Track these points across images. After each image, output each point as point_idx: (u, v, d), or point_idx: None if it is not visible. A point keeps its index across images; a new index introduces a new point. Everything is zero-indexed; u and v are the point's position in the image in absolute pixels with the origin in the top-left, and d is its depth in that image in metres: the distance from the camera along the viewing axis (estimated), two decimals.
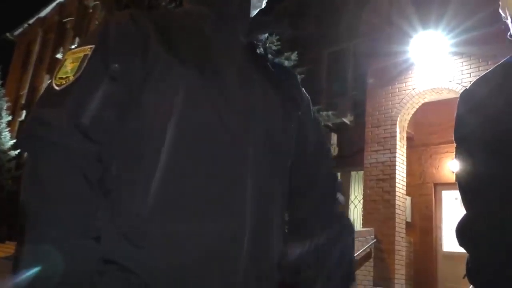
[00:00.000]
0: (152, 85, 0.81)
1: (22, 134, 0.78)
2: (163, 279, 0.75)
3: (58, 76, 0.80)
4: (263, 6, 1.00)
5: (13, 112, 18.09)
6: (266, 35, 1.00)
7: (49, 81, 0.83)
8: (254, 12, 0.98)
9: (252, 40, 0.96)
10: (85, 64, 0.79)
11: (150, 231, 0.75)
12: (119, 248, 0.75)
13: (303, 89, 1.07)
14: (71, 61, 0.82)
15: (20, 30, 20.82)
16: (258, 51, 0.98)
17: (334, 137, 8.55)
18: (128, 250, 0.75)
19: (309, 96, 1.08)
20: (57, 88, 0.79)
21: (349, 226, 1.02)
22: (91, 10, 15.99)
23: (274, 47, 6.70)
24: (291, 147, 0.97)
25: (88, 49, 0.81)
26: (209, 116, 0.82)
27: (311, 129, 1.05)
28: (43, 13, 19.40)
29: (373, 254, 7.05)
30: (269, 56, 1.02)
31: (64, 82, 0.79)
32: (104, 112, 0.78)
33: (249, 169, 0.83)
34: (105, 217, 0.76)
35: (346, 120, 8.61)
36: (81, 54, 0.81)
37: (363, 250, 6.86)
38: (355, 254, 6.71)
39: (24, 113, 17.34)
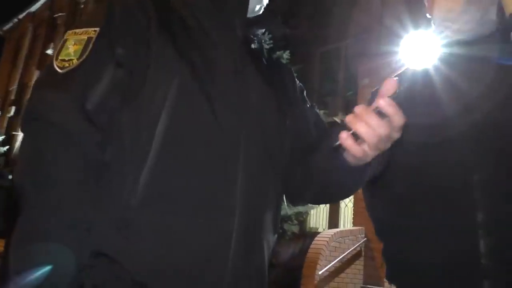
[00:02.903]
0: (148, 76, 0.79)
1: (23, 115, 0.76)
2: (151, 273, 0.74)
3: (60, 57, 0.78)
4: (266, 1, 0.99)
5: (2, 108, 17.90)
6: (263, 30, 1.00)
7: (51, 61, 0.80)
8: (257, 7, 0.97)
9: (249, 34, 0.95)
10: (89, 48, 0.77)
11: (138, 223, 0.74)
12: (109, 239, 0.74)
13: (298, 82, 1.07)
14: (73, 42, 0.79)
15: (10, 25, 20.61)
16: (254, 46, 0.97)
17: None
18: (117, 242, 0.74)
19: (303, 86, 1.07)
20: (60, 70, 0.76)
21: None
22: (82, 6, 15.86)
23: (266, 46, 6.71)
24: (285, 144, 0.96)
25: (92, 31, 0.79)
26: (202, 110, 0.81)
27: (310, 117, 1.03)
28: (33, 8, 19.20)
29: (363, 253, 7.09)
30: (265, 51, 1.02)
31: (68, 65, 0.76)
32: (108, 98, 0.76)
33: (240, 165, 0.82)
34: (95, 206, 0.74)
35: (337, 120, 8.64)
36: (85, 37, 0.79)
37: (354, 249, 6.89)
38: (345, 253, 6.76)
39: (13, 109, 17.16)
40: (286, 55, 7.31)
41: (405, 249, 1.08)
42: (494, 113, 1.01)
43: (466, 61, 1.10)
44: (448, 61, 1.13)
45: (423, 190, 1.05)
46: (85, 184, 0.73)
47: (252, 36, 0.97)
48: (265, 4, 0.99)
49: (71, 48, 0.79)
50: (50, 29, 17.41)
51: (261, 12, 0.99)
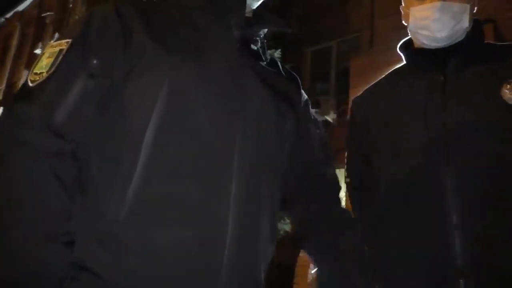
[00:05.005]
0: (136, 80, 0.77)
1: None
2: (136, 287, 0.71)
3: (34, 71, 0.77)
4: None
5: None
6: (265, 30, 0.95)
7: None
8: (254, 4, 0.92)
9: (248, 35, 0.90)
10: (59, 59, 0.76)
11: (125, 236, 0.71)
12: (92, 253, 0.71)
13: (304, 95, 1.04)
14: (47, 55, 0.78)
15: None
16: (254, 47, 0.92)
17: None
18: (101, 256, 0.70)
19: (309, 100, 1.05)
20: (30, 84, 0.75)
21: (357, 227, 1.03)
22: (71, 5, 15.71)
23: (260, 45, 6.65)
24: (283, 150, 0.93)
25: (64, 43, 0.77)
26: (195, 114, 0.77)
27: (313, 132, 1.03)
28: (21, 7, 18.98)
29: None
30: (266, 52, 0.98)
31: (38, 78, 0.75)
32: (80, 109, 0.74)
33: (234, 172, 0.78)
34: (79, 219, 0.72)
35: (329, 118, 8.64)
36: (57, 49, 0.77)
37: None
38: None
39: (1, 109, 16.98)
40: (277, 54, 7.29)
41: (385, 255, 1.12)
42: (459, 116, 1.04)
43: (425, 70, 1.15)
44: (408, 70, 1.21)
45: (401, 197, 1.09)
46: (57, 198, 0.70)
47: (251, 37, 0.92)
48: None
49: (45, 61, 0.77)
50: (38, 28, 17.22)
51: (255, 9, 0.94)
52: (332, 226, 0.98)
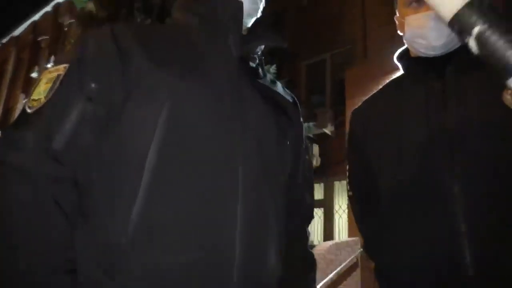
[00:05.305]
0: (136, 102, 0.75)
1: None
2: None
3: (32, 97, 0.76)
4: (259, 15, 0.94)
5: None
6: (262, 47, 0.94)
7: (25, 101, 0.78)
8: (249, 22, 0.92)
9: (245, 53, 0.89)
10: (57, 85, 0.74)
11: (130, 263, 0.68)
12: (96, 282, 0.69)
13: (301, 117, 1.03)
14: (45, 81, 0.77)
15: None
16: (252, 64, 0.92)
17: (316, 148, 8.57)
18: (106, 284, 0.68)
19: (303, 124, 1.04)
20: (29, 110, 0.74)
21: (313, 263, 1.03)
22: (66, 29, 15.83)
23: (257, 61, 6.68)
24: (286, 164, 0.92)
25: (62, 68, 0.76)
26: (196, 136, 0.76)
27: (303, 155, 1.01)
28: (16, 32, 19.12)
29: (360, 264, 7.03)
30: (264, 69, 0.97)
31: (36, 104, 0.74)
32: (79, 135, 0.72)
33: (239, 192, 0.76)
34: (82, 247, 0.70)
35: (327, 131, 8.65)
36: (55, 74, 0.76)
37: (350, 260, 6.83)
38: (343, 265, 6.71)
39: None
40: (272, 69, 7.32)
41: (393, 264, 1.10)
42: (460, 117, 1.04)
43: (422, 77, 1.15)
44: (407, 78, 1.21)
45: (406, 205, 1.07)
46: (58, 226, 0.68)
47: (249, 54, 0.91)
48: (257, 16, 0.94)
49: (42, 87, 0.76)
50: (33, 52, 17.31)
51: (259, 14, 0.94)
52: (293, 266, 0.94)
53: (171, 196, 0.72)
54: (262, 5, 0.94)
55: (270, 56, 7.46)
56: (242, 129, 0.81)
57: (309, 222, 1.06)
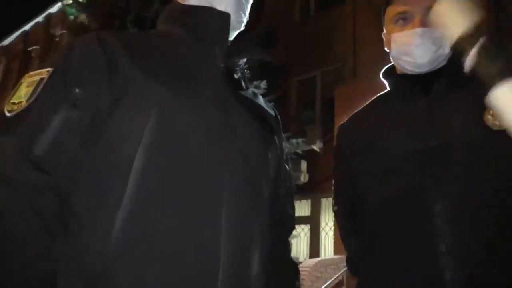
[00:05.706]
0: (122, 111, 0.73)
1: None
2: None
3: (11, 100, 0.72)
4: (242, 28, 0.95)
5: None
6: (244, 60, 0.95)
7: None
8: (232, 34, 0.93)
9: (230, 65, 0.90)
10: (40, 88, 0.71)
11: (114, 275, 0.66)
12: None
13: (282, 132, 1.03)
14: (26, 85, 0.73)
15: None
16: (236, 75, 0.92)
17: (304, 165, 8.58)
18: None
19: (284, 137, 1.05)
20: (8, 114, 0.70)
21: (297, 273, 1.04)
22: (57, 39, 15.78)
23: (246, 75, 6.69)
24: (269, 175, 0.92)
25: (45, 72, 0.73)
26: (182, 144, 0.74)
27: (283, 168, 1.01)
28: (6, 42, 19.03)
29: (345, 282, 6.99)
30: (247, 81, 0.98)
31: (16, 108, 0.70)
32: (62, 141, 0.69)
33: (224, 202, 0.76)
34: (63, 258, 0.68)
35: (315, 148, 8.68)
36: (37, 78, 0.73)
37: (336, 278, 6.79)
38: (328, 282, 6.66)
39: None
40: (263, 84, 7.36)
41: (375, 283, 1.10)
42: (445, 137, 1.04)
43: (407, 94, 1.15)
44: (393, 94, 1.22)
45: (390, 223, 1.08)
46: (36, 236, 0.66)
47: (233, 66, 0.92)
48: (241, 28, 0.95)
49: (23, 90, 0.72)
50: (24, 62, 17.20)
51: (242, 27, 0.95)
52: (278, 272, 0.94)
53: (155, 206, 0.70)
54: (246, 19, 0.95)
55: (261, 70, 7.51)
56: (228, 139, 0.80)
57: (291, 233, 1.06)
